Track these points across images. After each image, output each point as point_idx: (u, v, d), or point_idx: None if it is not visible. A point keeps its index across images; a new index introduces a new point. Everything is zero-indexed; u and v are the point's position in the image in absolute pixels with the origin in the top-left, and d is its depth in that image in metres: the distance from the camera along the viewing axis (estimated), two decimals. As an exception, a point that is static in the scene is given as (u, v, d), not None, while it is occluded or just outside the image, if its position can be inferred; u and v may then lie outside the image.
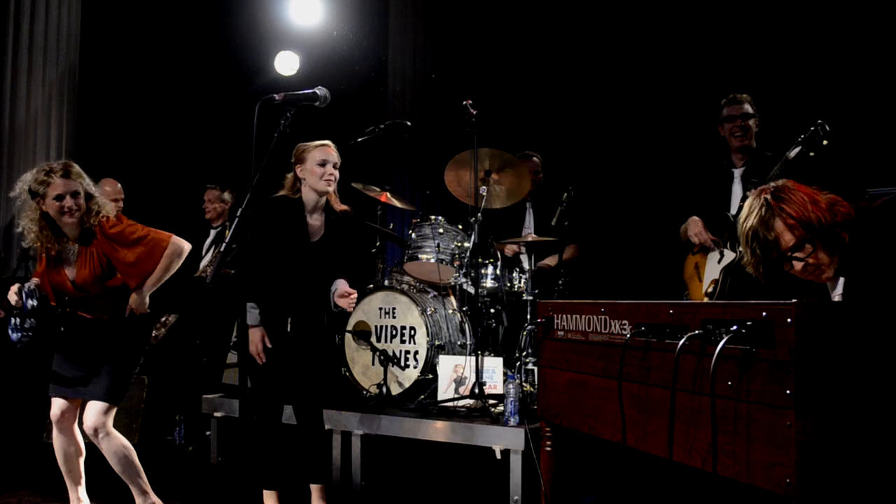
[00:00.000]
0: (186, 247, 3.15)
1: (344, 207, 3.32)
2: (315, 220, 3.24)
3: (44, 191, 2.92)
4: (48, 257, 3.07)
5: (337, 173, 3.22)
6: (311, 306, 3.19)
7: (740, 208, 3.59)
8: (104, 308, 3.11)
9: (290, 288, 3.16)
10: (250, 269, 3.13)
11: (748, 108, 3.82)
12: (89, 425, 3.00)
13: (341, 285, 3.18)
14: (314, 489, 3.21)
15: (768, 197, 2.10)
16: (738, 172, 3.82)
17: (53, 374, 3.08)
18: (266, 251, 3.12)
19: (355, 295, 3.17)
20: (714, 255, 3.76)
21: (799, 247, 2.06)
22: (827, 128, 3.17)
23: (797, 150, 3.27)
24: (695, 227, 3.80)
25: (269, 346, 3.07)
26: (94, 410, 3.01)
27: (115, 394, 3.06)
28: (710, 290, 3.68)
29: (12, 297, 2.96)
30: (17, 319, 2.92)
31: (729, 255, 3.66)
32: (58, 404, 3.07)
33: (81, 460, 3.15)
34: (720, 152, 3.93)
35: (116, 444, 3.06)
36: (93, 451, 3.17)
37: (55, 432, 3.09)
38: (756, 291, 2.30)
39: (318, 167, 3.17)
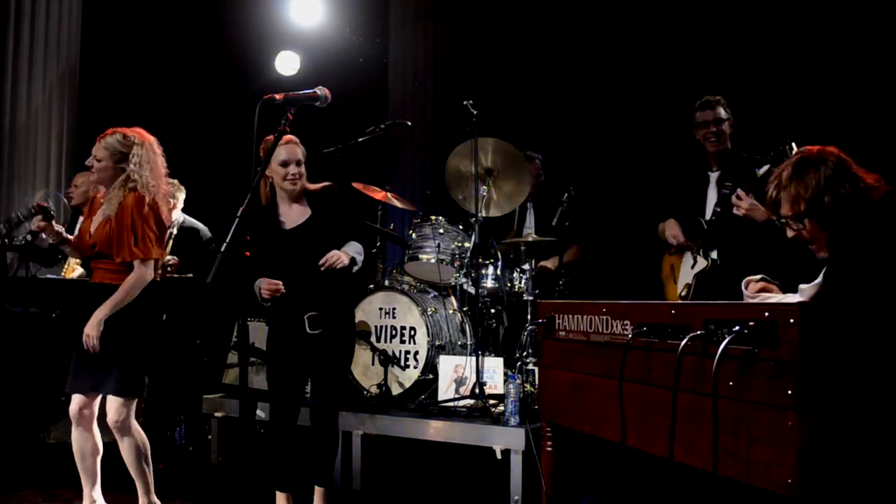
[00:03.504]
0: (149, 277, 3.09)
1: (319, 186, 3.21)
2: (294, 210, 3.17)
3: None
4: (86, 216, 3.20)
5: (302, 169, 3.12)
6: (322, 296, 3.10)
7: (714, 213, 3.63)
8: (112, 270, 3.08)
9: (296, 282, 3.09)
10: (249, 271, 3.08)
11: (721, 111, 3.77)
12: (110, 419, 3.03)
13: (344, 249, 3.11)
14: (318, 492, 3.20)
15: (796, 162, 2.19)
16: (713, 176, 3.82)
17: (70, 371, 3.07)
18: (258, 257, 3.07)
19: (334, 258, 3.03)
20: (688, 259, 3.77)
21: (795, 218, 2.18)
22: (794, 146, 3.05)
23: (766, 168, 3.20)
24: (672, 229, 3.83)
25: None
26: (113, 405, 3.04)
27: (129, 386, 3.05)
28: (683, 293, 3.72)
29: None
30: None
31: (701, 262, 3.67)
32: (75, 401, 3.07)
33: (98, 459, 3.14)
34: (698, 155, 3.93)
35: (136, 439, 3.08)
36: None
37: (73, 429, 3.09)
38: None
39: (281, 167, 3.09)
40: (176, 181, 4.81)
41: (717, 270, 3.62)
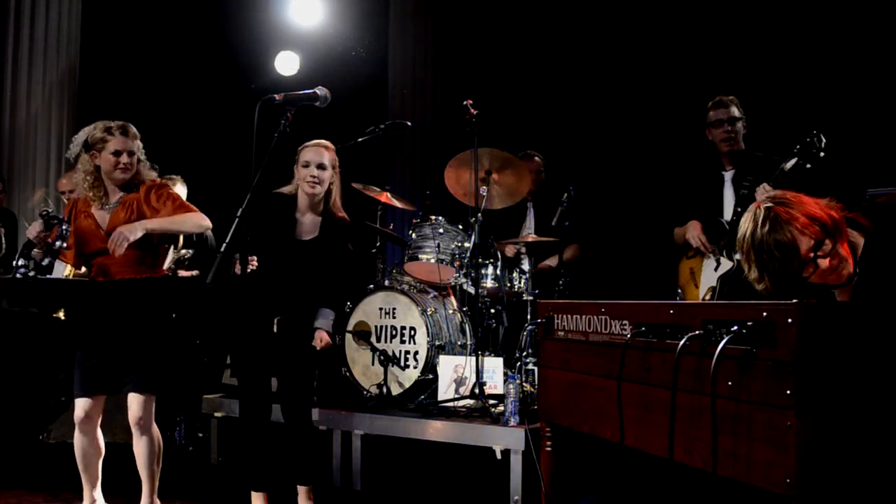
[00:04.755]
0: (207, 223, 3.12)
1: (342, 215, 3.24)
2: (307, 220, 3.19)
3: (102, 145, 3.02)
4: (79, 214, 3.06)
5: (325, 174, 3.13)
6: (296, 306, 3.14)
7: (735, 213, 3.58)
8: (128, 264, 3.02)
9: (277, 285, 3.11)
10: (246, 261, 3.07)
11: (735, 111, 3.75)
12: (135, 416, 2.98)
13: (321, 326, 3.14)
14: (301, 490, 3.19)
15: (770, 206, 2.05)
16: (728, 175, 3.78)
17: (81, 372, 2.98)
18: (256, 245, 3.07)
19: (326, 343, 3.14)
20: (710, 263, 3.71)
21: (819, 246, 2.03)
22: (823, 138, 3.02)
23: (793, 161, 3.14)
24: (694, 231, 3.75)
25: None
26: (137, 403, 2.98)
27: (156, 382, 3.01)
28: (707, 297, 3.63)
29: (35, 229, 2.86)
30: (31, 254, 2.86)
31: (726, 264, 3.61)
32: (83, 404, 2.97)
33: (100, 461, 3.11)
34: (710, 155, 3.90)
35: (153, 438, 3.07)
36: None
37: (78, 433, 3.00)
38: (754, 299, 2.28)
39: (303, 168, 3.12)
40: (179, 177, 4.84)
41: (743, 271, 3.56)
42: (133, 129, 3.09)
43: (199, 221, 3.09)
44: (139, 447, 3.05)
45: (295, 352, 3.14)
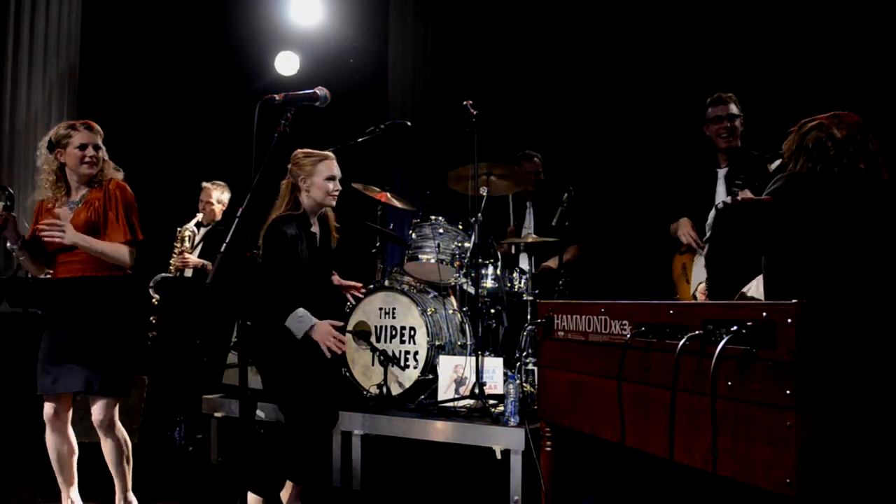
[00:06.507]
0: (129, 262, 3.09)
1: (335, 226, 3.35)
2: (315, 229, 3.28)
3: (66, 140, 3.02)
4: (45, 214, 3.05)
5: (340, 187, 3.26)
6: (332, 310, 3.25)
7: None
8: (89, 261, 3.02)
9: (318, 298, 3.18)
10: (277, 287, 3.05)
11: (733, 108, 3.78)
12: (96, 418, 3.00)
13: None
14: (294, 488, 3.19)
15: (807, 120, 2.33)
16: (721, 172, 3.80)
17: (44, 371, 2.98)
18: (295, 271, 3.08)
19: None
20: (700, 259, 3.75)
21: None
22: None
23: (778, 162, 3.21)
24: (685, 227, 3.81)
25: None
26: (99, 404, 3.00)
27: (115, 385, 3.00)
28: (697, 292, 3.69)
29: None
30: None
31: None
32: (51, 403, 3.01)
33: (74, 459, 3.11)
34: (706, 152, 3.92)
35: (119, 438, 3.08)
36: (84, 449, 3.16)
37: (48, 431, 3.03)
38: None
39: (328, 182, 3.16)
40: (225, 184, 5.09)
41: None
42: (97, 126, 3.10)
43: (122, 257, 3.05)
44: (106, 448, 3.08)
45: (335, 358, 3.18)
